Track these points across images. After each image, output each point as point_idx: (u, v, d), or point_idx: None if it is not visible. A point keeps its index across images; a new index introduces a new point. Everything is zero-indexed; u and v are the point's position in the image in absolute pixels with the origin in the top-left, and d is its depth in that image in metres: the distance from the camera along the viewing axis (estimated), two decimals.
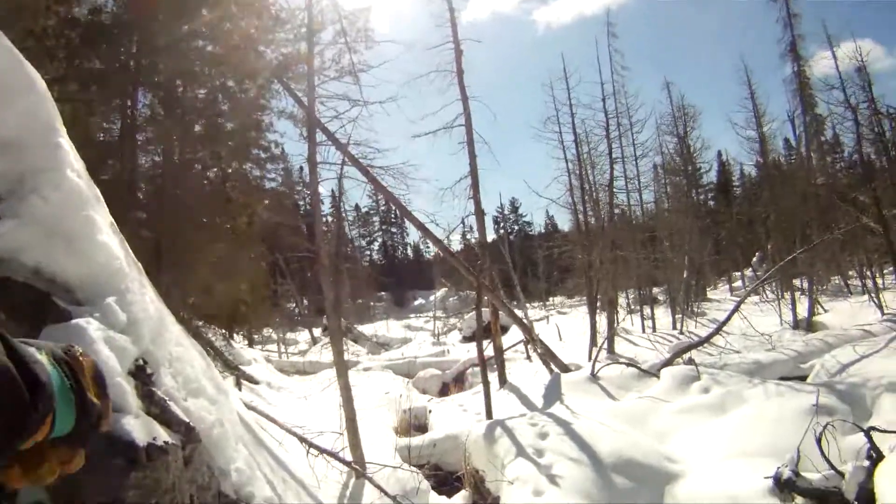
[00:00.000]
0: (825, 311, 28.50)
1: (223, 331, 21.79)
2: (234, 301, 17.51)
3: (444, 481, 13.04)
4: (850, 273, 34.84)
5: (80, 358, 1.32)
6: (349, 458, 10.86)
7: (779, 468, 9.69)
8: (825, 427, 10.33)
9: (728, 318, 19.93)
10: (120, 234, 4.87)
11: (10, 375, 1.05)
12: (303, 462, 9.86)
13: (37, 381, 1.11)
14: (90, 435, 1.29)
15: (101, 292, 4.01)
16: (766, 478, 9.71)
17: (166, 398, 4.15)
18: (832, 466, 9.53)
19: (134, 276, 4.56)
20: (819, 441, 10.02)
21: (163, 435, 3.76)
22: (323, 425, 11.79)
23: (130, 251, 5.04)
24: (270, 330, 38.04)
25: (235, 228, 16.28)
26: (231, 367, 20.12)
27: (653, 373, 16.84)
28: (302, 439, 9.95)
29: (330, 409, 14.47)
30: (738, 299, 26.25)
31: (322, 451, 9.84)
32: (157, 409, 3.99)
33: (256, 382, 21.32)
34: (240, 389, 18.07)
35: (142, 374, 4.02)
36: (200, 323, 18.48)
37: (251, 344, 33.96)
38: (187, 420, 4.21)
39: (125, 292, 4.14)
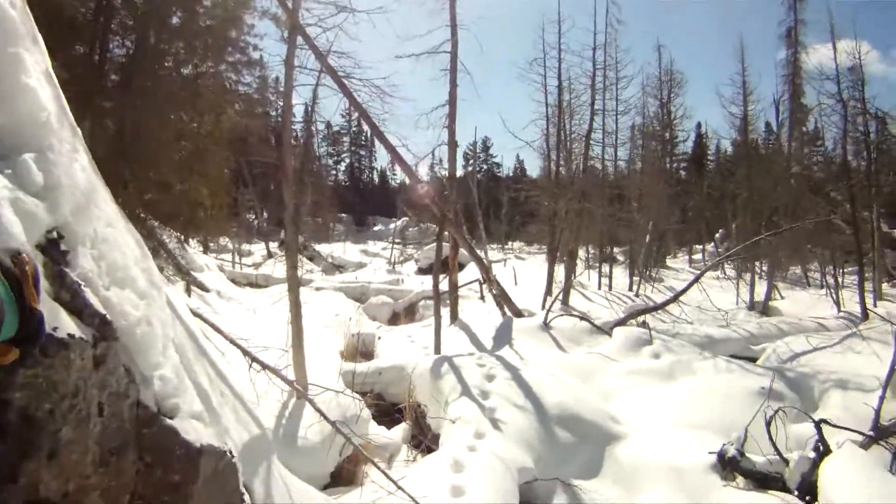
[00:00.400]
0: (782, 297, 28.66)
1: (178, 234, 21.36)
2: (193, 204, 17.10)
3: (386, 412, 12.92)
4: (811, 266, 34.98)
5: (26, 268, 1.65)
6: (292, 377, 10.57)
7: (724, 445, 9.64)
8: (776, 412, 10.32)
9: (687, 288, 19.92)
10: (57, 87, 4.10)
11: None
12: (244, 377, 9.55)
13: None
14: (31, 338, 1.61)
15: (18, 146, 3.35)
16: (710, 453, 9.68)
17: (81, 283, 3.48)
18: (778, 452, 9.51)
19: (65, 137, 3.88)
20: (768, 424, 10.00)
21: (68, 326, 3.15)
22: (269, 341, 11.49)
23: (68, 111, 4.30)
24: (227, 239, 37.71)
25: (202, 128, 15.91)
26: (182, 271, 19.99)
27: (605, 330, 16.80)
28: (245, 352, 9.62)
29: (277, 325, 14.14)
30: (699, 271, 26.33)
31: (265, 366, 9.53)
32: (68, 294, 3.35)
33: (206, 290, 21.21)
34: (189, 295, 17.83)
35: (53, 250, 3.34)
36: (156, 223, 18.09)
37: (206, 251, 33.66)
38: (104, 312, 3.60)
39: (48, 150, 3.49)
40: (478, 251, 22.85)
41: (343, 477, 10.17)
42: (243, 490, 5.71)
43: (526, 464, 9.61)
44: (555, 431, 10.73)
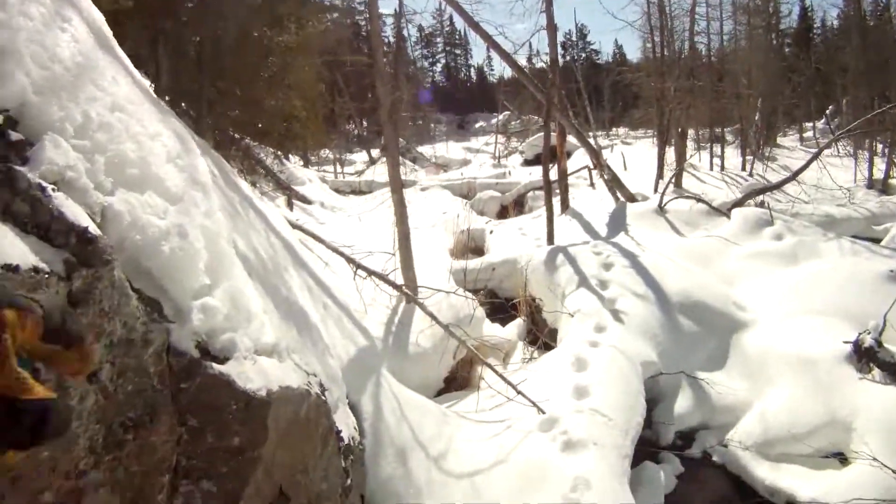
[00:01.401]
0: None
1: (275, 150, 21.18)
2: (287, 117, 16.76)
3: (500, 309, 12.38)
4: None
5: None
6: (400, 281, 10.19)
7: (860, 334, 8.87)
8: None
9: (807, 165, 18.73)
10: None
11: None
12: (350, 286, 9.31)
13: None
14: None
15: None
16: (844, 342, 8.95)
17: (50, 186, 2.64)
18: None
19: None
20: None
21: (10, 253, 2.30)
22: (375, 246, 11.20)
23: None
24: (327, 151, 37.49)
25: (287, 41, 15.47)
26: (283, 186, 19.82)
27: (723, 212, 15.90)
28: (349, 260, 9.28)
29: (383, 230, 13.81)
30: (811, 149, 25.14)
31: (370, 272, 9.15)
32: (25, 204, 2.53)
33: (309, 202, 20.98)
34: (291, 209, 17.64)
35: None
36: (253, 142, 17.90)
37: (307, 164, 33.40)
38: (85, 225, 2.67)
39: None
40: (585, 136, 22.04)
41: (458, 381, 9.91)
42: (339, 427, 5.08)
43: (650, 357, 9.21)
44: (678, 321, 10.26)
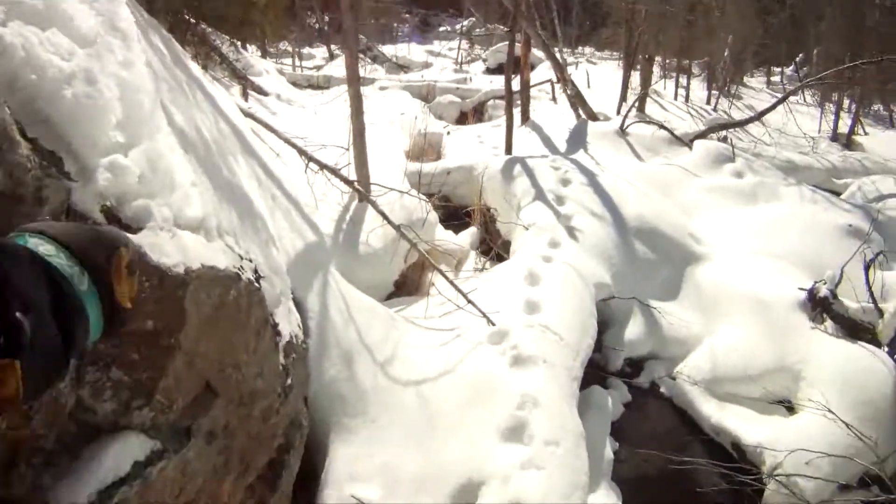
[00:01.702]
0: (865, 133, 27.20)
1: (231, 38, 20.61)
2: (245, 3, 16.22)
3: (454, 215, 12.14)
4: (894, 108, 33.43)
5: (121, 257, 1.29)
6: (353, 177, 9.82)
7: (816, 283, 8.84)
8: (877, 255, 9.54)
9: (773, 107, 18.40)
10: None
11: (53, 340, 1.08)
12: (301, 179, 8.94)
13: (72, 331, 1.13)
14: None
15: None
16: (799, 289, 8.92)
17: None
18: (874, 301, 8.70)
19: None
20: (868, 268, 9.12)
21: None
22: (329, 141, 10.76)
23: None
24: (287, 44, 36.87)
25: None
26: (238, 75, 19.28)
27: (685, 142, 15.74)
28: (301, 151, 8.87)
29: (339, 126, 13.38)
30: (778, 93, 25.05)
31: (322, 166, 8.78)
32: None
33: (265, 94, 20.42)
34: (246, 100, 17.16)
35: None
36: (208, 28, 17.34)
37: (265, 55, 32.63)
38: None
39: None
40: (551, 49, 21.62)
41: (407, 286, 9.70)
42: (277, 321, 4.71)
43: (603, 279, 9.03)
44: (633, 245, 10.10)
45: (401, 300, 8.98)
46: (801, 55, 43.53)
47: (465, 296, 7.23)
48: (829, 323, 8.62)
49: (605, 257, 9.52)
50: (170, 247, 3.02)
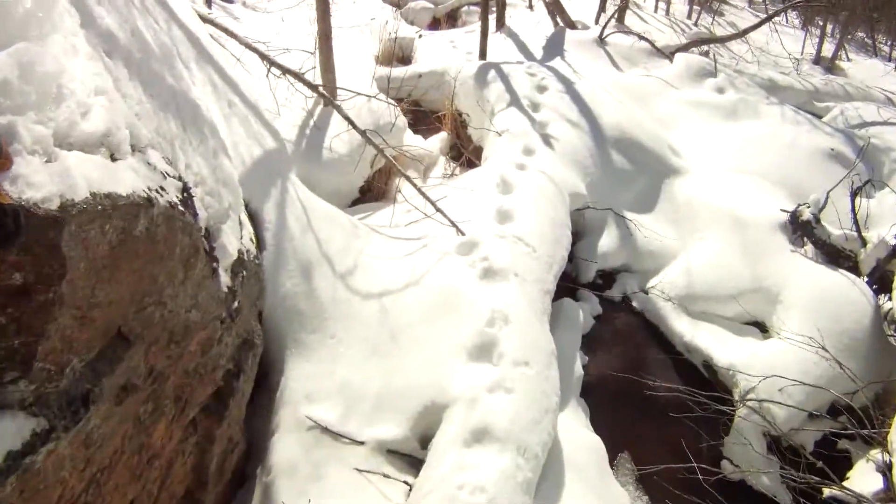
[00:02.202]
0: (849, 59, 26.97)
1: None
2: None
3: (423, 120, 11.71)
4: (879, 36, 33.21)
5: None
6: (318, 82, 9.34)
7: (799, 206, 8.63)
8: (865, 184, 9.44)
9: (758, 25, 18.01)
10: None
11: None
12: (263, 85, 8.49)
13: None
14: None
15: None
16: (782, 210, 8.71)
17: None
18: (858, 229, 8.50)
19: None
20: (854, 195, 8.97)
21: None
22: (295, 46, 10.27)
23: None
24: None
25: None
26: None
27: (666, 54, 15.31)
28: (263, 56, 8.34)
29: (307, 31, 12.88)
30: (761, 13, 24.73)
31: (285, 70, 8.21)
32: None
33: (231, 1, 19.86)
34: (210, 7, 16.57)
35: None
36: None
37: None
38: None
39: None
40: None
41: (373, 192, 9.34)
42: (210, 245, 4.17)
43: (578, 189, 8.70)
44: (610, 155, 9.76)
45: (366, 206, 8.66)
46: None
47: (433, 203, 6.81)
48: (809, 247, 8.42)
49: (580, 166, 9.16)
50: (41, 176, 2.32)
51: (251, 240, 5.07)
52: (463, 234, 6.57)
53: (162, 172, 3.41)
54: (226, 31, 8.97)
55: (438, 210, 6.74)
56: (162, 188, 3.29)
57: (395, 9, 22.50)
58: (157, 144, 3.61)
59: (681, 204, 9.37)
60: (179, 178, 3.71)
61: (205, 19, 8.88)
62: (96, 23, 3.70)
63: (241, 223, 4.88)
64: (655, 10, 26.85)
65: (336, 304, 5.67)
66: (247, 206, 5.44)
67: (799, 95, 16.37)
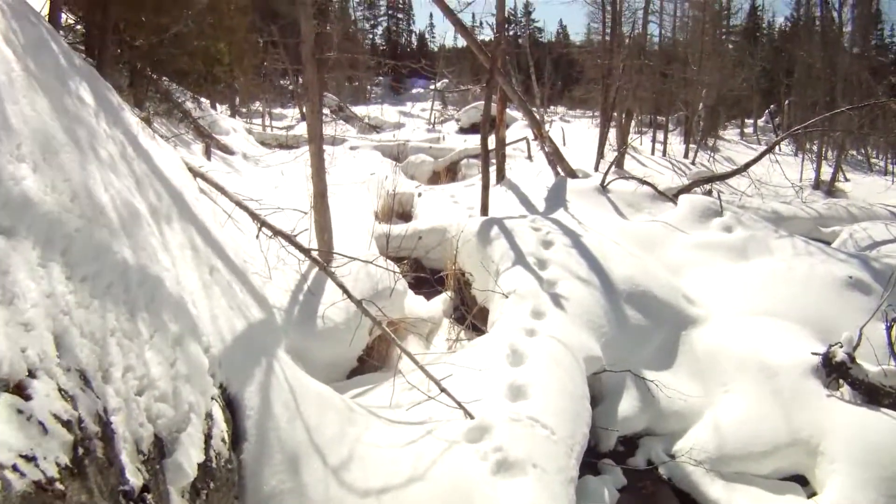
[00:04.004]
0: (847, 179, 27.10)
1: (194, 94, 20.36)
2: (209, 59, 15.78)
3: (425, 280, 11.02)
4: (872, 152, 33.71)
5: None
6: (314, 242, 9.08)
7: (831, 347, 7.98)
8: None
9: (759, 158, 17.87)
10: None
11: None
12: (256, 246, 8.10)
13: None
14: None
15: None
16: (813, 353, 8.07)
17: None
18: None
19: None
20: (890, 328, 8.39)
21: None
22: (295, 203, 9.87)
23: None
24: (258, 104, 37.40)
25: None
26: (202, 133, 18.91)
27: (669, 196, 15.08)
28: (253, 215, 7.98)
29: (307, 187, 12.72)
30: (754, 144, 25.09)
31: (276, 231, 7.84)
32: None
33: (231, 153, 20.07)
34: (209, 159, 16.56)
35: None
36: (170, 83, 17.35)
37: (234, 114, 32.77)
38: None
39: None
40: (528, 106, 21.11)
41: (374, 358, 8.68)
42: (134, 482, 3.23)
43: (593, 351, 8.09)
44: (624, 311, 9.20)
45: (365, 378, 8.09)
46: (772, 105, 44.48)
47: (437, 383, 6.13)
48: (845, 388, 7.79)
49: (594, 326, 8.60)
50: None
51: (224, 439, 4.41)
52: (472, 417, 5.87)
53: (40, 423, 2.53)
54: (216, 185, 8.70)
55: (443, 390, 6.07)
56: (29, 457, 2.39)
57: (394, 163, 22.88)
58: (68, 358, 2.97)
59: (701, 356, 8.77)
60: (80, 422, 2.83)
61: (195, 173, 8.58)
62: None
63: (210, 419, 4.26)
64: (653, 152, 27.35)
65: (329, 503, 4.98)
66: (224, 392, 4.84)
67: (804, 224, 16.54)
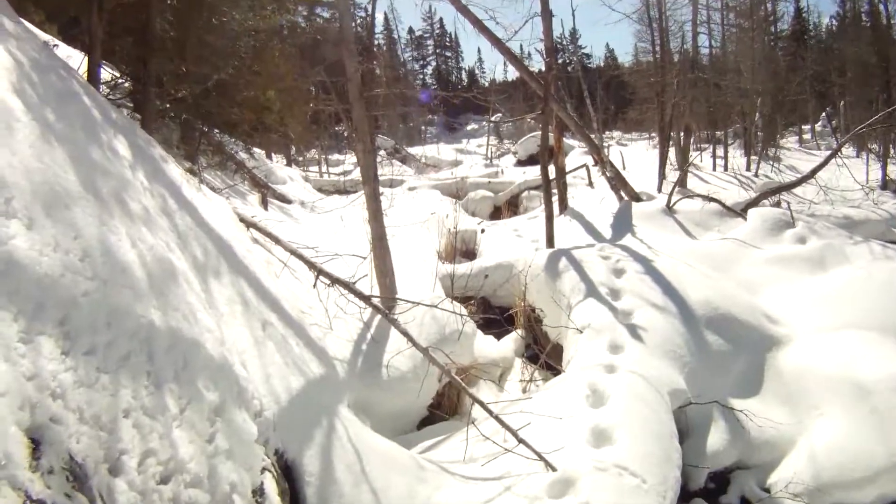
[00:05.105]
0: None
1: (247, 145, 20.47)
2: (259, 108, 15.75)
3: (494, 319, 10.67)
4: None
5: None
6: (375, 288, 8.77)
7: None
8: None
9: (825, 163, 17.47)
10: None
11: None
12: (314, 295, 7.88)
13: None
14: None
15: None
16: None
17: None
18: None
19: None
20: None
21: None
22: (354, 248, 9.70)
23: None
24: (314, 151, 37.66)
25: (259, 24, 14.25)
26: (258, 183, 19.19)
27: (737, 212, 14.58)
28: (309, 264, 7.76)
29: (367, 232, 12.56)
30: (813, 150, 24.62)
31: (334, 279, 7.59)
32: None
33: (289, 201, 20.35)
34: (265, 208, 16.52)
35: None
36: (222, 135, 17.45)
37: (290, 163, 33.41)
38: None
39: None
40: (585, 131, 20.85)
41: (445, 405, 8.27)
42: None
43: (677, 384, 7.58)
44: (704, 337, 8.70)
45: (436, 429, 7.70)
46: (828, 108, 43.84)
47: (514, 434, 5.69)
48: None
49: (675, 356, 8.11)
50: None
51: None
52: (554, 469, 5.38)
53: None
54: (269, 235, 8.50)
55: (521, 441, 5.66)
56: None
57: (454, 200, 22.76)
58: (51, 456, 2.52)
59: (789, 379, 8.26)
60: None
61: (247, 223, 8.37)
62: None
63: (260, 495, 3.91)
64: (714, 168, 26.79)
65: None
66: (281, 458, 4.53)
67: (877, 227, 16.33)
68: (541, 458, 5.48)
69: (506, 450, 5.78)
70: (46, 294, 3.02)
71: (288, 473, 4.51)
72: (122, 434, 2.99)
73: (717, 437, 7.51)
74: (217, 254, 5.90)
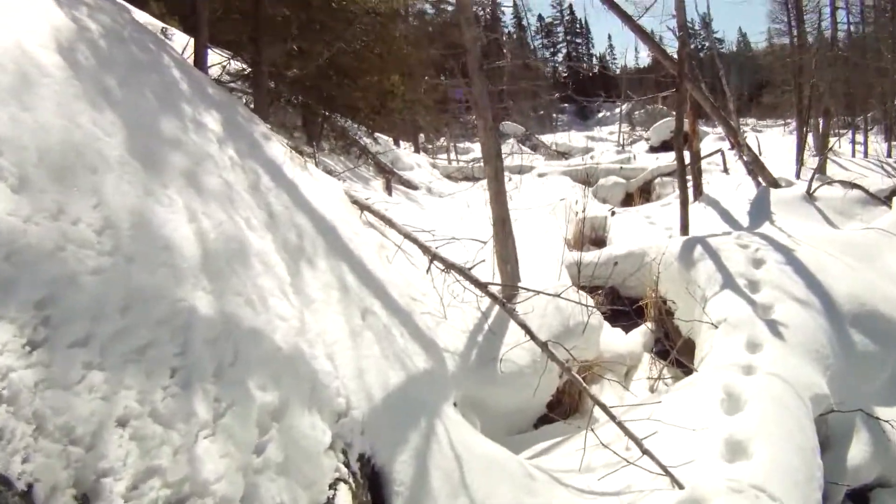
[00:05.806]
0: None
1: (369, 129, 21.07)
2: (381, 92, 15.53)
3: (622, 312, 10.16)
4: None
5: None
6: (495, 275, 8.40)
7: None
8: None
9: None
10: None
11: None
12: (428, 282, 7.49)
13: None
14: None
15: None
16: None
17: None
18: None
19: None
20: None
21: None
22: (475, 233, 9.14)
23: None
24: (443, 139, 37.77)
25: (382, 5, 14.03)
26: (384, 169, 19.11)
27: (882, 199, 13.88)
28: (423, 248, 7.37)
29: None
30: None
31: (448, 265, 7.16)
32: None
33: (415, 187, 20.24)
34: (390, 194, 16.31)
35: None
36: (344, 120, 17.90)
37: (417, 150, 33.25)
38: None
39: None
40: (721, 112, 20.04)
41: (565, 403, 7.78)
42: None
43: (819, 388, 6.80)
44: (850, 336, 7.95)
45: (553, 428, 7.21)
46: None
47: (639, 444, 5.10)
48: None
49: (817, 357, 7.33)
50: None
51: None
52: (681, 486, 4.75)
53: None
54: (382, 217, 8.12)
55: (645, 452, 5.06)
56: None
57: (585, 187, 22.19)
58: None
59: None
60: None
61: (361, 205, 7.99)
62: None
63: None
64: (853, 155, 25.71)
65: None
66: (367, 465, 4.10)
67: None
68: (667, 472, 4.86)
69: (627, 462, 5.19)
70: (21, 270, 2.57)
71: (375, 481, 4.08)
72: (107, 449, 2.49)
73: (858, 450, 6.79)
74: (315, 235, 5.58)
